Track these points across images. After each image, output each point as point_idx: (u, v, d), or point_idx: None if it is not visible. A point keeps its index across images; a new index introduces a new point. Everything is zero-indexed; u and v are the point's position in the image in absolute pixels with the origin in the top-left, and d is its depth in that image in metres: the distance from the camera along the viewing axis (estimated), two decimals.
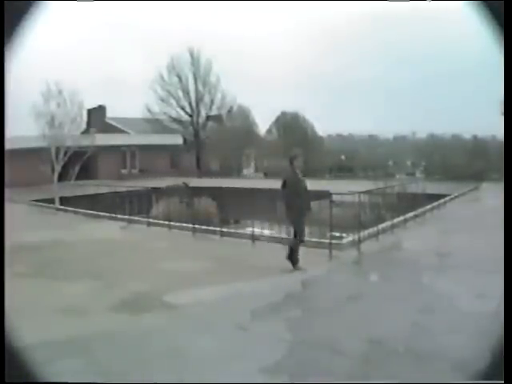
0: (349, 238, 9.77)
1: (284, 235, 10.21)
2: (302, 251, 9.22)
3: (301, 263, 7.79)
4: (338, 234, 10.01)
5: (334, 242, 9.13)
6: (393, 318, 5.63)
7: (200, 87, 41.48)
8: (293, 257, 7.77)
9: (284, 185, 7.88)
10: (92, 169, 31.51)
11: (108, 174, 31.46)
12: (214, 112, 42.52)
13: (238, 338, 5.11)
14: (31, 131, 22.66)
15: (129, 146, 36.63)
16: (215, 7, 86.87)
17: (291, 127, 43.69)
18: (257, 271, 7.82)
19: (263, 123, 47.27)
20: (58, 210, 18.50)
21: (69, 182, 22.99)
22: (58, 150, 21.27)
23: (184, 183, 19.36)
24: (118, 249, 10.40)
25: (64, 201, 19.82)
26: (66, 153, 21.35)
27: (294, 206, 7.68)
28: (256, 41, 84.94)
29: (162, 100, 41.07)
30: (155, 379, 4.08)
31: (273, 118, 46.15)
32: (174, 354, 4.65)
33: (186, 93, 41.39)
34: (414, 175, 36.41)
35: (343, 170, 39.74)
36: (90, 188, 21.48)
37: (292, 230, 8.06)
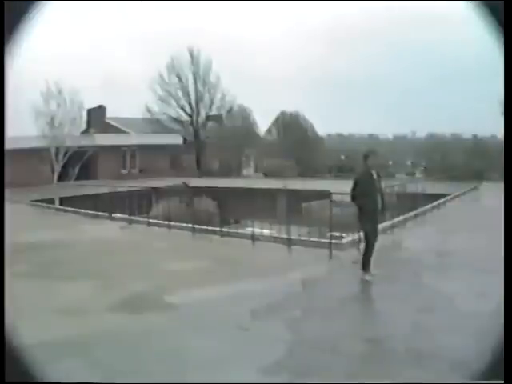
0: (349, 237, 9.76)
1: (284, 235, 10.19)
2: (301, 251, 9.25)
3: (301, 262, 7.78)
4: (337, 234, 10.01)
5: (333, 241, 9.13)
6: (393, 318, 5.63)
7: (200, 87, 41.41)
8: (364, 260, 7.25)
9: (355, 185, 7.30)
10: (92, 169, 31.51)
11: (108, 174, 31.42)
12: (213, 112, 42.43)
13: (238, 337, 5.11)
14: (31, 131, 22.69)
15: (129, 146, 36.60)
16: (216, 7, 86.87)
17: (291, 127, 43.71)
18: (257, 271, 7.82)
19: (263, 123, 47.34)
20: (58, 210, 18.50)
21: (69, 182, 23.00)
22: (57, 150, 21.29)
23: (184, 183, 19.39)
24: (118, 249, 10.39)
25: (64, 201, 19.82)
26: (65, 153, 21.38)
27: (364, 207, 7.18)
28: (256, 41, 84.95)
29: (162, 100, 41.01)
30: (155, 379, 4.08)
31: (273, 118, 46.22)
32: (174, 353, 4.65)
33: (186, 93, 41.32)
34: (414, 175, 36.41)
35: (343, 170, 39.70)
36: (89, 188, 21.47)
37: (362, 234, 7.51)
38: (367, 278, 7.15)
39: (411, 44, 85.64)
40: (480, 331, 4.80)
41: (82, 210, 16.50)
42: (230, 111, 43.02)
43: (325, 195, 10.08)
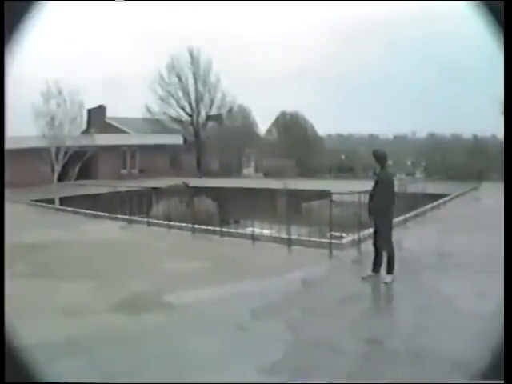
0: (349, 237, 9.76)
1: (284, 235, 10.19)
2: (302, 251, 9.25)
3: (301, 262, 7.76)
4: (338, 234, 10.01)
5: (334, 241, 9.13)
6: (393, 318, 5.63)
7: (200, 87, 41.41)
8: (376, 260, 7.19)
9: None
10: (92, 169, 31.50)
11: (108, 174, 31.42)
12: (213, 112, 42.44)
13: (238, 337, 5.11)
14: (31, 131, 22.69)
15: (129, 146, 36.60)
16: (216, 7, 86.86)
17: (291, 127, 43.68)
18: (257, 271, 7.82)
19: (263, 123, 47.29)
20: (58, 209, 18.49)
21: (69, 181, 22.99)
22: (57, 150, 21.30)
23: (184, 183, 19.38)
24: (118, 249, 10.39)
25: (64, 201, 19.82)
26: (65, 153, 21.37)
27: (369, 208, 7.25)
28: (256, 41, 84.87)
29: (162, 100, 41.02)
30: (155, 379, 4.08)
31: (273, 118, 46.21)
32: (174, 353, 4.65)
33: (186, 93, 41.33)
34: (414, 175, 36.38)
35: (343, 170, 39.74)
36: (89, 188, 21.47)
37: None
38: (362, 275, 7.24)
39: (411, 44, 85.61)
40: (480, 331, 4.81)
41: (82, 210, 16.50)
42: (230, 111, 43.03)
43: (325, 195, 10.08)
